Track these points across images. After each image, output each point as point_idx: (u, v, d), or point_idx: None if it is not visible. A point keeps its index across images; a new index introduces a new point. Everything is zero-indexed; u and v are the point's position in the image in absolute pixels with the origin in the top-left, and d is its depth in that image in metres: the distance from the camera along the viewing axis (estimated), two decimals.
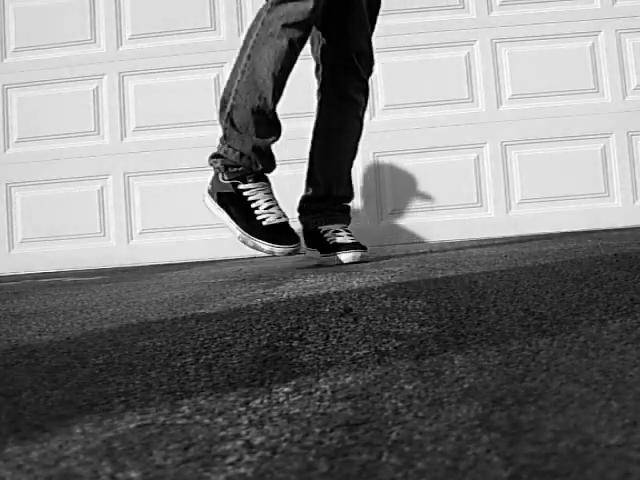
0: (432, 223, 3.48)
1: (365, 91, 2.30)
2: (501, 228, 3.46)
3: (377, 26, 2.34)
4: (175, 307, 1.36)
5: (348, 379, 0.75)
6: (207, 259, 3.44)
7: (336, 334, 0.98)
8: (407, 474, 0.49)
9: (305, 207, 2.32)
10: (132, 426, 0.64)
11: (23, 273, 3.51)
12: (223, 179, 2.14)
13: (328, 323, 1.06)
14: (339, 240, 2.21)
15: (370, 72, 2.31)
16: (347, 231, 2.25)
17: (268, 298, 1.37)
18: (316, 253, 2.27)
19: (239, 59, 2.10)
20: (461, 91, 3.51)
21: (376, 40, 2.35)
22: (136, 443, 0.59)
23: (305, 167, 2.35)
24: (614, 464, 0.47)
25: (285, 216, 2.14)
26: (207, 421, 0.64)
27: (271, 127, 2.12)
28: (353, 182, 2.37)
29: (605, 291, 1.16)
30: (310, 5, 1.99)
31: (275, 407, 0.67)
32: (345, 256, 2.17)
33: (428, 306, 1.14)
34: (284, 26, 2.00)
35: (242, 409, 0.67)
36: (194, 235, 3.52)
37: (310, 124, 2.33)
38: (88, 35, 3.60)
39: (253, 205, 2.11)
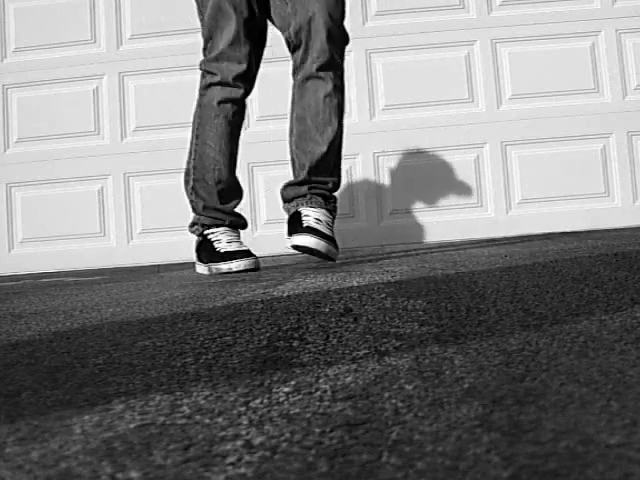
0: (432, 223, 3.48)
1: (325, 64, 2.12)
2: (501, 228, 3.46)
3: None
4: (175, 307, 1.36)
5: (348, 379, 0.75)
6: None
7: (336, 334, 0.98)
8: (407, 474, 0.49)
9: (285, 193, 2.23)
10: (132, 426, 0.64)
11: (23, 273, 3.51)
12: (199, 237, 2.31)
13: (328, 323, 1.06)
14: (305, 224, 2.09)
15: (330, 42, 2.12)
16: (317, 219, 2.10)
17: (268, 298, 1.37)
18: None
19: (191, 139, 2.30)
20: (461, 91, 3.51)
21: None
22: (136, 443, 0.59)
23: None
24: (614, 464, 0.47)
25: (247, 247, 2.24)
26: (207, 421, 0.64)
27: (232, 193, 2.28)
28: (343, 173, 2.28)
29: (605, 291, 1.16)
30: (244, 67, 2.19)
31: (275, 407, 0.67)
32: (300, 239, 2.05)
33: (428, 306, 1.14)
34: (219, 103, 2.22)
35: (242, 409, 0.67)
36: (194, 235, 3.52)
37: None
38: (88, 35, 3.60)
39: (215, 244, 2.25)
